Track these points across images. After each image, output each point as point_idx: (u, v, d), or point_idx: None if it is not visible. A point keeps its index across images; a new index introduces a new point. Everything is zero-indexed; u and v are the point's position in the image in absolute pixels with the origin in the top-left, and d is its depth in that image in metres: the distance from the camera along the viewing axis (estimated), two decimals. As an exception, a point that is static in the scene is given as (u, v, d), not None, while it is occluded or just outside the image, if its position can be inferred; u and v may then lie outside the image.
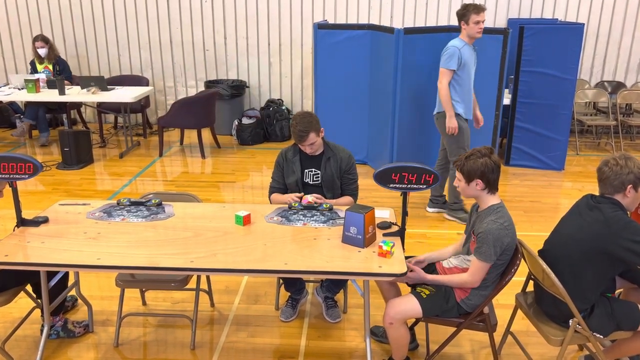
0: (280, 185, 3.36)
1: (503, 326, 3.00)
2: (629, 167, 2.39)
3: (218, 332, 3.24)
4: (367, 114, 6.12)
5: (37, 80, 6.40)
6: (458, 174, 2.60)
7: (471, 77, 4.54)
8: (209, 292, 3.50)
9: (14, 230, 2.82)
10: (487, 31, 5.45)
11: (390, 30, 5.38)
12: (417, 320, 3.05)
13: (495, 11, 7.30)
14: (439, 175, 2.68)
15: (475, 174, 2.52)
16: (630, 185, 2.40)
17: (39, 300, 3.06)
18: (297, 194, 3.22)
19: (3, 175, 2.73)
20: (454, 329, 2.69)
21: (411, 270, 2.67)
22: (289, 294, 3.42)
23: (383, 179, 2.69)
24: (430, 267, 2.85)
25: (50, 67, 6.98)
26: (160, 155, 6.66)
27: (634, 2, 7.18)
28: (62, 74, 6.93)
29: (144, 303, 3.52)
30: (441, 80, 4.43)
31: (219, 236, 2.76)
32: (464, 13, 4.37)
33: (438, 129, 4.66)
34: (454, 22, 7.24)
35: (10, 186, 2.80)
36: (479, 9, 4.34)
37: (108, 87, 6.66)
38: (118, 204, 3.14)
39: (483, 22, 4.36)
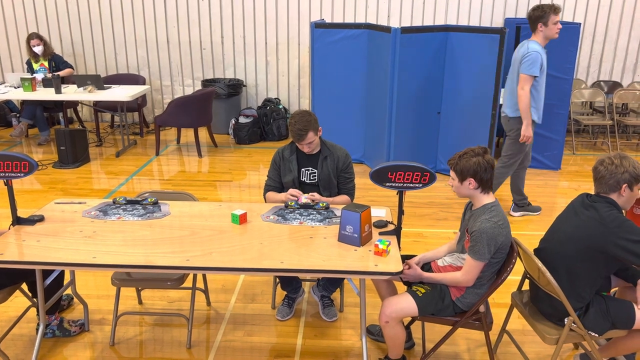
0: (276, 183, 3.36)
1: (499, 325, 3.00)
2: (624, 167, 2.40)
3: (214, 331, 3.24)
4: (364, 113, 6.13)
5: (34, 78, 6.39)
6: (452, 173, 2.60)
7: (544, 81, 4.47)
8: (205, 291, 3.50)
9: (9, 228, 2.82)
10: (484, 30, 5.47)
11: (387, 29, 5.38)
12: (413, 319, 3.06)
13: (492, 11, 7.31)
14: (434, 175, 2.68)
15: (467, 173, 2.52)
16: (625, 185, 2.41)
17: (34, 299, 3.05)
18: (295, 190, 3.21)
19: (-2, 174, 2.73)
20: (449, 327, 2.69)
21: (408, 267, 2.67)
22: (285, 292, 3.42)
23: (379, 177, 2.69)
24: (426, 266, 2.85)
25: (46, 64, 6.97)
26: (157, 154, 6.65)
27: (630, 2, 7.19)
28: (58, 68, 6.93)
29: (140, 302, 3.52)
30: (523, 87, 4.27)
31: (215, 235, 2.76)
32: (542, 15, 4.22)
33: (505, 129, 4.58)
34: (451, 21, 7.31)
35: (5, 185, 2.80)
36: (557, 8, 4.22)
37: (105, 85, 6.65)
38: (114, 202, 3.14)
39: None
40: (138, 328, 3.27)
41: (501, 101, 4.69)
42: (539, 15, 4.25)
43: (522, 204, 4.92)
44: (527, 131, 4.36)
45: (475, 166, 2.51)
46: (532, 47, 4.25)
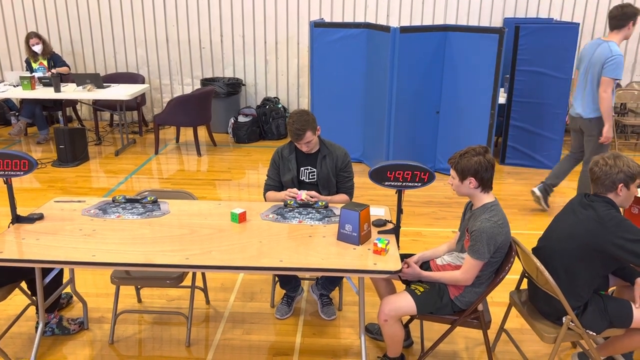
0: (275, 183, 3.36)
1: (497, 324, 3.01)
2: (618, 167, 2.41)
3: (213, 329, 3.25)
4: (362, 112, 6.13)
5: (33, 77, 6.39)
6: (452, 172, 2.61)
7: None
8: (205, 290, 3.51)
9: (8, 227, 2.82)
10: (483, 30, 5.48)
11: (386, 28, 5.38)
12: (412, 318, 3.06)
13: (491, 10, 7.32)
14: (433, 174, 2.69)
15: (468, 172, 2.53)
16: (621, 184, 2.42)
17: (33, 298, 3.05)
18: (293, 190, 3.22)
19: (-2, 172, 2.73)
20: (448, 326, 2.70)
21: (407, 266, 2.68)
22: (284, 291, 3.43)
23: (378, 176, 2.70)
24: (425, 265, 2.86)
25: (45, 62, 6.98)
26: (156, 153, 6.65)
27: (629, 2, 7.20)
28: (56, 67, 6.94)
29: (139, 300, 3.52)
30: (606, 90, 4.25)
31: (215, 233, 2.76)
32: (636, 13, 4.19)
33: (585, 130, 4.54)
34: (450, 21, 7.31)
35: (5, 183, 2.80)
36: None
37: (104, 84, 6.65)
38: (113, 201, 3.14)
39: None
40: (137, 326, 3.28)
41: (571, 101, 4.69)
42: (633, 13, 4.21)
43: (549, 189, 4.92)
44: (609, 132, 4.36)
45: (477, 165, 2.51)
46: (616, 50, 4.23)
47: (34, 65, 6.98)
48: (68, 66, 7.13)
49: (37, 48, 6.83)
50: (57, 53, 7.20)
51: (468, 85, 5.60)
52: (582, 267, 2.46)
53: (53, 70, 6.86)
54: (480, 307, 2.64)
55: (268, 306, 3.48)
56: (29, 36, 6.81)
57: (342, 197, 3.33)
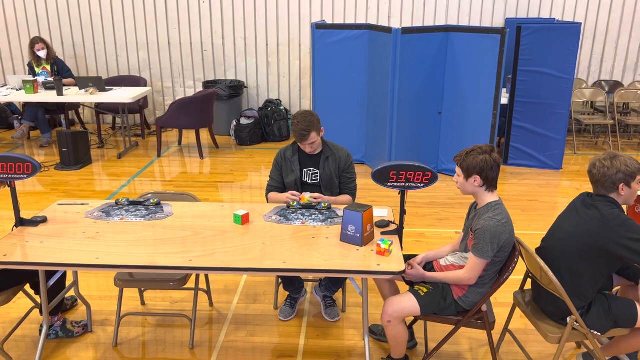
0: (278, 184, 3.37)
1: (501, 324, 3.01)
2: (616, 167, 2.40)
3: (217, 331, 3.25)
4: (365, 113, 6.13)
5: (35, 80, 6.40)
6: (458, 169, 2.60)
7: None
8: (208, 292, 3.51)
9: (12, 230, 2.82)
10: (485, 30, 5.48)
11: (388, 30, 5.39)
12: (416, 319, 3.06)
13: (492, 10, 7.32)
14: (436, 174, 2.68)
15: (474, 170, 2.53)
16: (622, 184, 2.41)
17: (37, 300, 3.05)
18: (294, 192, 3.22)
19: (1, 176, 2.73)
20: (452, 327, 2.69)
21: (411, 267, 2.67)
22: (287, 293, 3.42)
23: (381, 177, 2.69)
24: (428, 266, 2.85)
25: (48, 67, 6.99)
26: (159, 155, 6.66)
27: (631, 1, 7.20)
28: (60, 74, 6.95)
29: (143, 303, 3.52)
30: None
31: (218, 235, 2.76)
32: None
33: None
34: (452, 21, 7.31)
35: (8, 186, 2.81)
36: None
37: (106, 87, 6.66)
38: (117, 203, 3.14)
39: None
40: (141, 329, 3.28)
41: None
42: None
43: None
44: None
45: (482, 164, 2.51)
46: None
47: (37, 70, 6.99)
48: (73, 77, 7.09)
49: (42, 53, 6.84)
50: (60, 58, 7.21)
51: (470, 85, 5.59)
52: (585, 266, 2.45)
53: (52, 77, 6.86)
54: (484, 307, 2.63)
55: (271, 308, 3.47)
56: (34, 41, 6.82)
57: (345, 198, 3.32)
